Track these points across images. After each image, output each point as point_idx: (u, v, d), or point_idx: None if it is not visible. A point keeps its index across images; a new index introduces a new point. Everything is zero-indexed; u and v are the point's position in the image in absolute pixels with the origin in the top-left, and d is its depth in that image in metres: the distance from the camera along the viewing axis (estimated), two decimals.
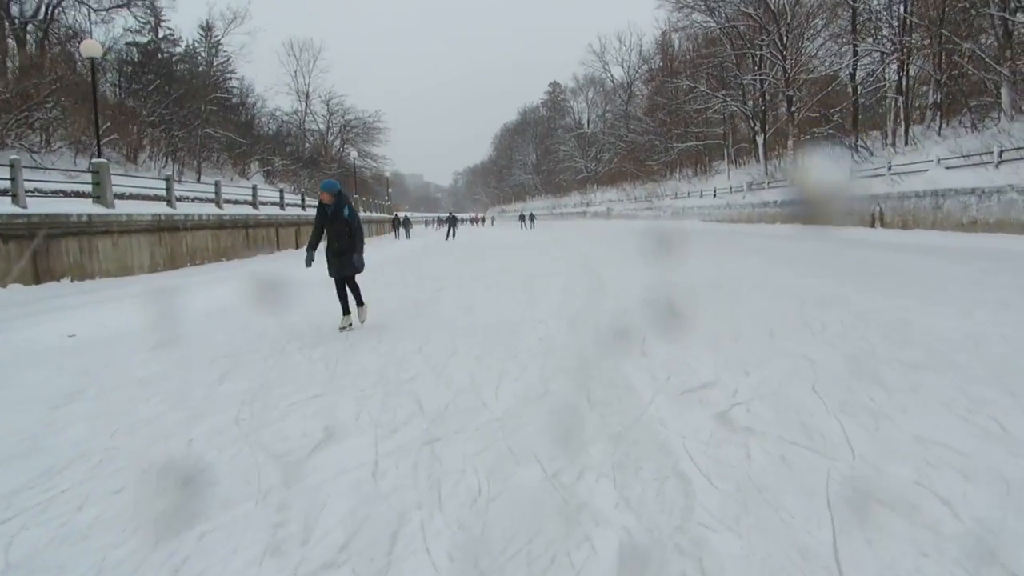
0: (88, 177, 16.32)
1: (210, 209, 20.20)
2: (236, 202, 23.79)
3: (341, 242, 7.04)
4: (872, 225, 23.65)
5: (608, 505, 2.76)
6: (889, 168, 23.79)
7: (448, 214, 41.10)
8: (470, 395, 4.44)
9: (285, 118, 58.24)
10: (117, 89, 32.56)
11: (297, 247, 26.74)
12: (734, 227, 34.65)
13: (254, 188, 24.30)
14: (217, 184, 21.40)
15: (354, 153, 47.59)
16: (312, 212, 30.81)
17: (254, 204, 23.92)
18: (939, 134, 26.19)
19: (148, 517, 2.75)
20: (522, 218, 58.49)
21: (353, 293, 7.42)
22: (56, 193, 17.17)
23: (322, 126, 62.77)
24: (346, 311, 7.39)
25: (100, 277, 14.50)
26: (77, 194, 16.25)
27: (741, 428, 3.63)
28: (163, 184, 18.31)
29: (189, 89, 32.70)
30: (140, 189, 18.33)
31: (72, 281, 13.61)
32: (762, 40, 37.39)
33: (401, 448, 3.47)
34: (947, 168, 20.91)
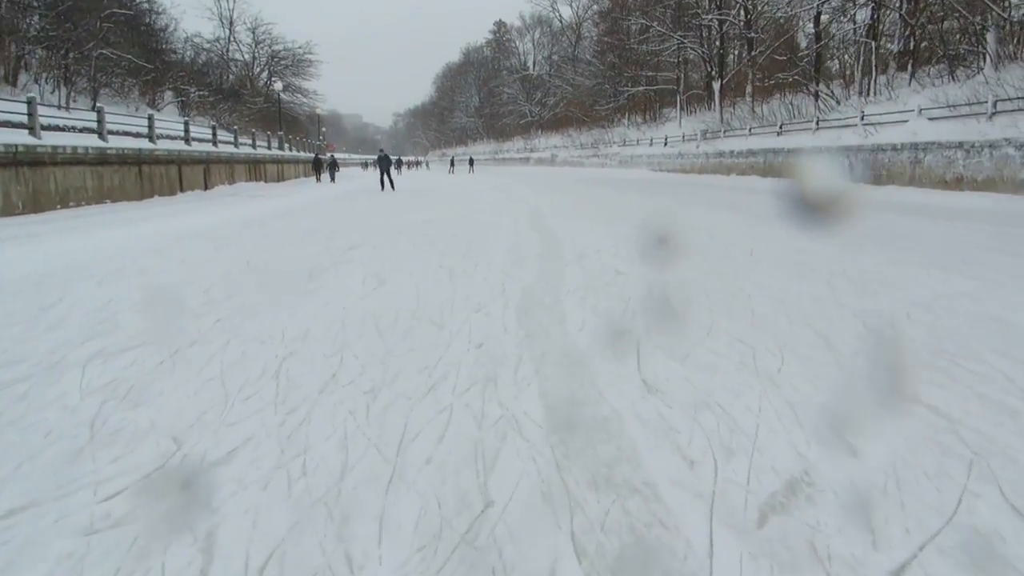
0: None
1: (90, 141, 16.96)
2: (132, 135, 20.45)
3: None
4: None
5: None
6: (862, 118, 21.97)
7: (379, 152, 26.68)
8: (325, 522, 2.13)
9: (206, 46, 53.19)
10: None
11: (206, 188, 23.61)
12: (686, 177, 32.70)
13: (150, 118, 20.88)
14: (99, 111, 18.02)
15: (279, 85, 43.43)
16: (228, 149, 27.54)
17: (151, 137, 20.57)
18: (913, 83, 24.45)
19: None
20: (452, 163, 53.83)
21: None
22: None
23: (247, 56, 57.79)
24: None
25: None
26: None
27: None
28: (24, 108, 15.01)
29: (82, 4, 28.15)
30: None
31: None
32: None
33: None
34: (930, 119, 19.15)
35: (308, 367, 3.71)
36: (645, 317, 4.75)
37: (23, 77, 26.25)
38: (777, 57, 32.03)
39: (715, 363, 3.68)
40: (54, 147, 14.92)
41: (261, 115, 50.02)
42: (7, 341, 4.31)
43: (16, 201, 13.66)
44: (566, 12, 73.09)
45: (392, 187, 24.74)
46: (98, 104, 20.48)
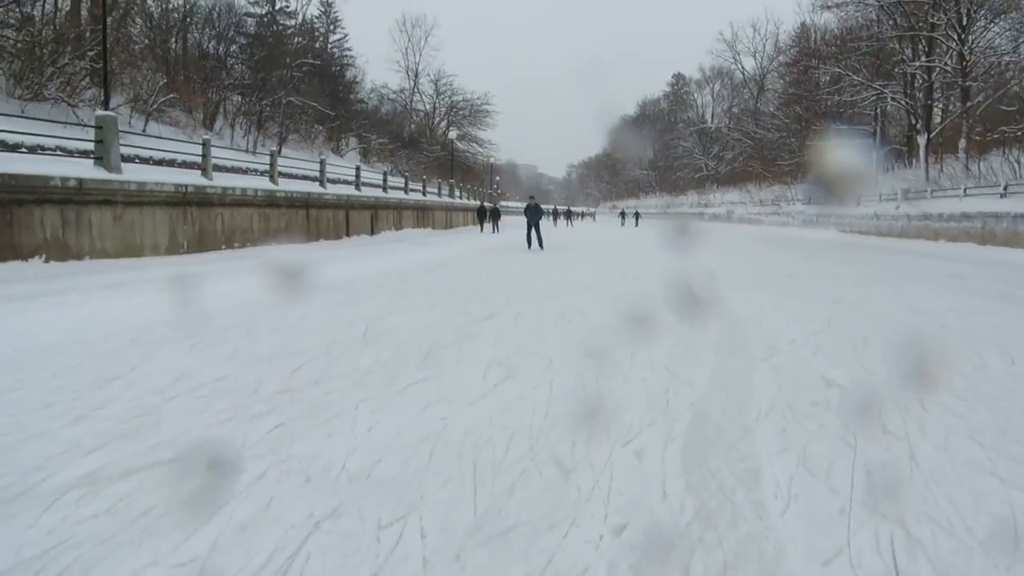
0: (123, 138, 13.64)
1: (260, 183, 17.29)
2: (304, 178, 20.99)
3: None
4: None
5: None
6: None
7: (529, 200, 20.92)
8: None
9: (391, 96, 56.01)
10: (196, 47, 29.85)
11: (372, 233, 23.79)
12: (884, 241, 28.96)
13: (322, 163, 21.36)
14: (272, 155, 18.47)
15: (453, 133, 44.35)
16: (397, 195, 27.90)
17: (321, 182, 20.96)
18: None
19: None
20: (623, 215, 56.44)
21: None
22: (57, 150, 14.56)
23: (428, 106, 60.25)
24: None
25: (92, 258, 11.72)
26: (89, 155, 13.49)
27: None
28: (200, 150, 15.47)
29: (276, 54, 29.89)
30: (177, 155, 15.60)
31: (47, 261, 10.85)
32: (934, 18, 31.27)
33: None
34: None
35: (342, 554, 2.34)
36: (886, 492, 2.97)
37: (219, 121, 28.26)
38: (1003, 107, 27.83)
39: None
40: (224, 188, 15.20)
41: (437, 163, 51.46)
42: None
43: (181, 240, 13.87)
44: (749, 64, 70.11)
45: (540, 245, 19.17)
46: (272, 148, 21.11)
